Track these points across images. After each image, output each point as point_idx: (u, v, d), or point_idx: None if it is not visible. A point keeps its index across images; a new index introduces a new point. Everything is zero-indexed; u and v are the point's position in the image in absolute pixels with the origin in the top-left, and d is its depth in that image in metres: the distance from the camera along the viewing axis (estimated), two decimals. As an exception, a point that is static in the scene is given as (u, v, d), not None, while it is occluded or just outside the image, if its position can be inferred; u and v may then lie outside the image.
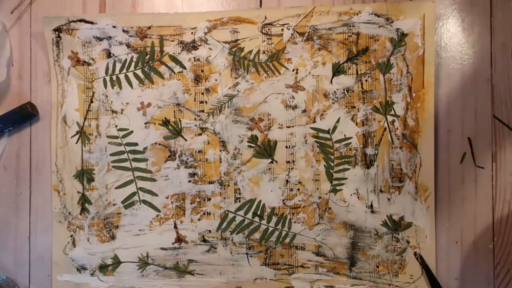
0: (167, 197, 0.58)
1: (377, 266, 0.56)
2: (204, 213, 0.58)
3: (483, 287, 0.55)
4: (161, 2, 0.59)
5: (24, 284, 0.59)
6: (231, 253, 0.57)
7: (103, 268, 0.58)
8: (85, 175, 0.58)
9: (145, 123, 0.58)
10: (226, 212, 0.57)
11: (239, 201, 0.57)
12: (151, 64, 0.58)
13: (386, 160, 0.56)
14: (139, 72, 0.58)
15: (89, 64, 0.58)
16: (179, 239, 0.58)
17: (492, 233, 0.56)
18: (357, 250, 0.56)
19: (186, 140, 0.58)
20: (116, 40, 0.58)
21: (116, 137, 0.58)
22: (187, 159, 0.58)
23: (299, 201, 0.57)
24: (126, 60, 0.58)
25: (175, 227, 0.58)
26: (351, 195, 0.57)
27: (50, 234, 0.58)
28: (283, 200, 0.57)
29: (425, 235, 0.55)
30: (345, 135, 0.57)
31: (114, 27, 0.58)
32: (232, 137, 0.57)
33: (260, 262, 0.57)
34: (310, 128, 0.57)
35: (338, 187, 0.57)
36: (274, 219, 0.57)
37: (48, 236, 0.59)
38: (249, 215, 0.57)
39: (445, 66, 0.56)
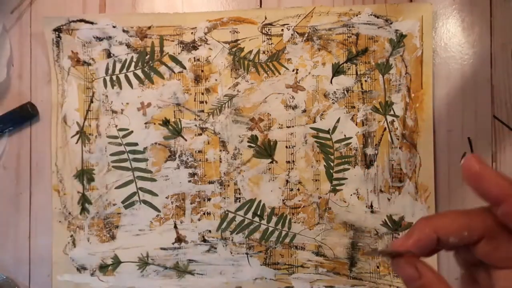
0: (167, 197, 0.58)
1: (378, 267, 0.56)
2: (204, 213, 0.58)
3: (483, 287, 0.55)
4: (161, 2, 0.59)
5: (24, 284, 0.59)
6: (231, 253, 0.57)
7: (103, 268, 0.58)
8: (85, 175, 0.58)
9: (145, 123, 0.58)
10: (226, 212, 0.57)
11: (239, 201, 0.57)
12: (151, 64, 0.58)
13: (386, 160, 0.56)
14: (139, 72, 0.58)
15: (89, 64, 0.58)
16: (179, 239, 0.58)
17: (492, 233, 0.55)
18: (357, 250, 0.56)
19: (186, 140, 0.58)
20: (116, 40, 0.58)
21: (116, 137, 0.58)
22: (187, 159, 0.58)
23: (299, 201, 0.57)
24: (126, 60, 0.58)
25: (175, 227, 0.58)
26: (351, 195, 0.57)
27: (50, 234, 0.58)
28: (283, 200, 0.57)
29: (425, 235, 0.55)
30: (345, 135, 0.57)
31: (114, 27, 0.58)
32: (232, 137, 0.57)
33: (260, 262, 0.57)
34: (310, 128, 0.57)
35: (338, 187, 0.57)
36: (274, 219, 0.57)
37: (48, 236, 0.58)
38: (249, 215, 0.57)
39: (445, 66, 0.57)
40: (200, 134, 0.58)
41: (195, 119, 0.58)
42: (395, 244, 0.30)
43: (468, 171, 0.31)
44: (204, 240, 0.58)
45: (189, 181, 0.58)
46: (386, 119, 0.56)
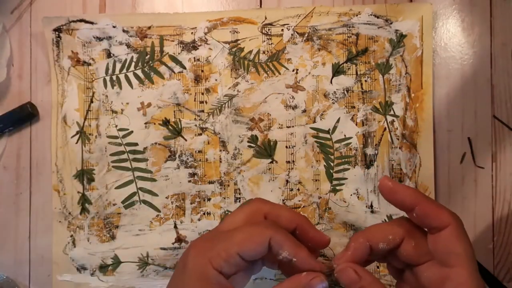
0: (167, 197, 0.58)
1: (378, 267, 0.56)
2: (204, 213, 0.58)
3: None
4: (161, 2, 0.59)
5: (24, 284, 0.59)
6: (231, 253, 0.57)
7: (103, 268, 0.58)
8: (85, 175, 0.58)
9: (145, 123, 0.58)
10: (226, 212, 0.57)
11: (239, 201, 0.57)
12: (151, 64, 0.58)
13: (386, 160, 0.56)
14: (139, 72, 0.58)
15: (89, 64, 0.58)
16: (179, 239, 0.58)
17: (492, 233, 0.56)
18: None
19: (186, 140, 0.58)
20: (116, 40, 0.58)
21: (116, 137, 0.58)
22: (187, 159, 0.58)
23: (299, 201, 0.57)
24: (126, 60, 0.58)
25: (175, 227, 0.58)
26: (351, 195, 0.57)
27: (50, 234, 0.58)
28: (283, 200, 0.57)
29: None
30: (345, 135, 0.57)
31: (114, 27, 0.58)
32: (232, 137, 0.57)
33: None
34: (310, 128, 0.57)
35: (338, 187, 0.57)
36: (274, 219, 0.57)
37: (48, 236, 0.58)
38: (249, 215, 0.57)
39: (445, 66, 0.57)
40: (200, 134, 0.58)
41: (195, 119, 0.58)
42: (337, 258, 0.37)
43: (384, 188, 0.37)
44: (204, 240, 0.57)
45: (189, 181, 0.58)
46: (386, 119, 0.56)
